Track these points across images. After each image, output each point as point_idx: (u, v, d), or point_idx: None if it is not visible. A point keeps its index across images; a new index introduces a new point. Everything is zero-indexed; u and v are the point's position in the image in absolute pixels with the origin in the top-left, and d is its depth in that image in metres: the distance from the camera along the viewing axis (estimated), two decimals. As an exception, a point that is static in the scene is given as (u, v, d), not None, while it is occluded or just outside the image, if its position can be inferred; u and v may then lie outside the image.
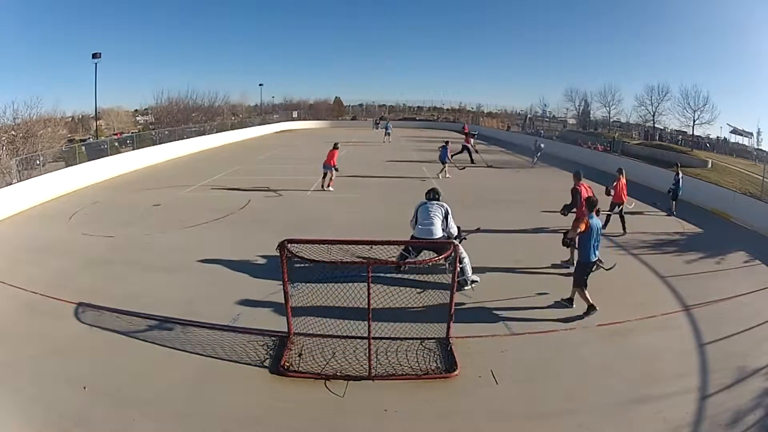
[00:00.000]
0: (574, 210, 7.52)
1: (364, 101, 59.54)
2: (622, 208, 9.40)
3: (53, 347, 4.98)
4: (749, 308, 5.97)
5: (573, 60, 60.67)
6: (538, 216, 10.49)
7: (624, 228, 9.36)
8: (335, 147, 13.01)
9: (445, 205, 6.58)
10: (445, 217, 6.47)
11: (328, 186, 13.08)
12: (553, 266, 7.36)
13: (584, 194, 7.22)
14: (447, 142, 15.31)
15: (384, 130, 29.86)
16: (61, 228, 9.81)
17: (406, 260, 6.21)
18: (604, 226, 9.14)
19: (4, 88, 41.99)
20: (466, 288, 6.25)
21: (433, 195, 6.72)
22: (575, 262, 6.04)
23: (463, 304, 5.81)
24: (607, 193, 9.29)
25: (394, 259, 6.33)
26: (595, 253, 5.68)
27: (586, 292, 5.69)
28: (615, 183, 9.35)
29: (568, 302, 5.96)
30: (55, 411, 3.97)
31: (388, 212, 10.59)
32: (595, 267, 5.79)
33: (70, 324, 5.52)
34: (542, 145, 19.31)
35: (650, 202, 12.00)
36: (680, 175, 11.11)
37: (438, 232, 6.27)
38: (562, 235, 6.69)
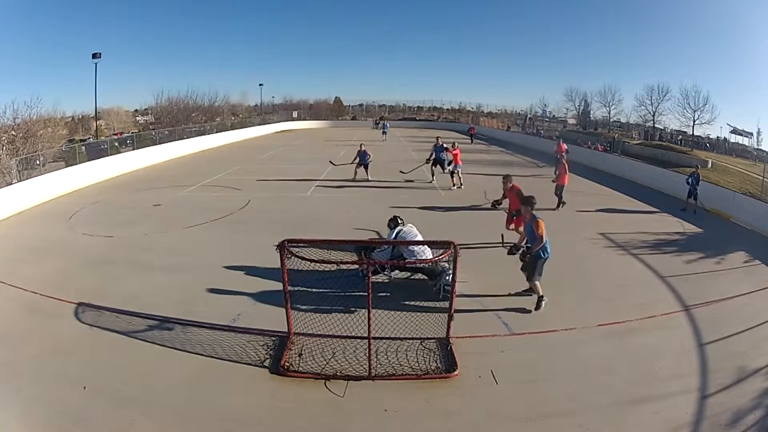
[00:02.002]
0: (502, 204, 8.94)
1: (364, 101, 59.95)
2: (563, 188, 11.16)
3: (53, 347, 4.98)
4: (749, 308, 5.97)
5: (573, 60, 60.96)
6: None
7: (559, 205, 11.16)
8: (454, 147, 13.63)
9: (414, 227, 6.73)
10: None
11: (457, 184, 13.70)
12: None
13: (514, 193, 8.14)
14: (361, 145, 16.08)
15: (382, 129, 31.69)
16: (61, 228, 9.80)
17: (406, 261, 6.18)
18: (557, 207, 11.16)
19: (4, 88, 42.21)
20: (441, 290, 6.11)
21: (400, 221, 6.90)
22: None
23: (463, 304, 5.79)
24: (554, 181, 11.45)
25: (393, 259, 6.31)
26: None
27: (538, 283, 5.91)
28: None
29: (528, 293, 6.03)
30: (55, 411, 3.97)
31: (387, 212, 10.56)
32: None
33: (70, 324, 5.52)
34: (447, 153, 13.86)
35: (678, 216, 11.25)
36: (700, 176, 11.62)
37: (428, 251, 6.11)
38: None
